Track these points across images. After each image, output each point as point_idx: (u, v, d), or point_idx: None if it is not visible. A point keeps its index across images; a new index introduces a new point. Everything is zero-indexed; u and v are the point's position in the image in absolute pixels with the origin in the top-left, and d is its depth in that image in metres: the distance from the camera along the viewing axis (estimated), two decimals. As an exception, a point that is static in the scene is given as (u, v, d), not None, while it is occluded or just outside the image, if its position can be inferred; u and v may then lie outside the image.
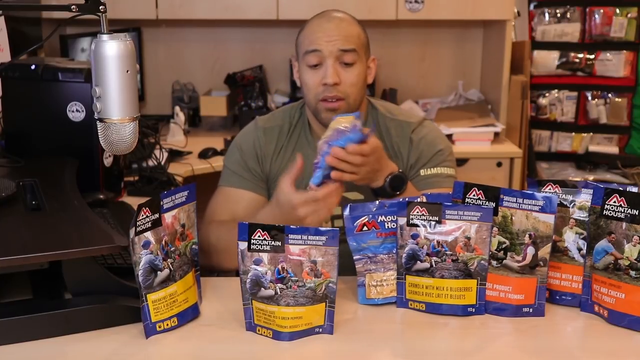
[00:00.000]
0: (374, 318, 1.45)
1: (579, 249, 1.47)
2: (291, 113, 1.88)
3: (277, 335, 1.36)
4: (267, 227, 1.35)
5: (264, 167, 1.82)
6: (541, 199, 1.41)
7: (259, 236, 1.35)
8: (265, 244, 1.35)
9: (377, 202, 1.47)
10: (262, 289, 1.36)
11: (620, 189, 1.41)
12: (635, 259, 1.38)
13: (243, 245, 1.36)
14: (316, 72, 1.74)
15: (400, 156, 1.80)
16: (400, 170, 1.63)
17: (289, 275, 1.36)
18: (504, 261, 1.45)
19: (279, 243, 1.35)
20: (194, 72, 3.71)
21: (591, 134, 3.70)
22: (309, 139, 1.84)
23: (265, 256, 1.35)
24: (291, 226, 1.36)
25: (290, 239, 1.35)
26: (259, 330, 1.38)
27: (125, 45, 1.29)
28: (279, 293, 1.36)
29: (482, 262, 1.43)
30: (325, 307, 1.38)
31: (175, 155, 2.94)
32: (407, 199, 1.46)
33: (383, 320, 1.44)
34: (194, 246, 1.47)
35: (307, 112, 1.85)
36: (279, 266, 1.35)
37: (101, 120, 1.31)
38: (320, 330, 1.39)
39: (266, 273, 1.35)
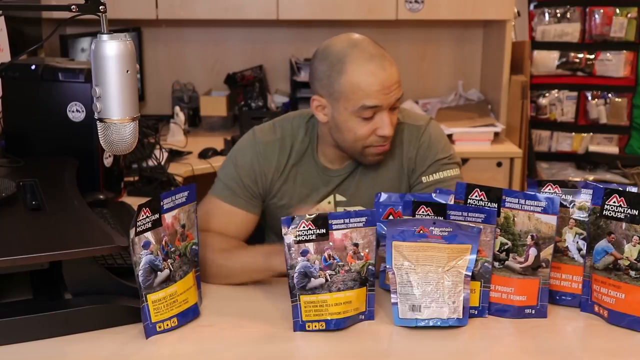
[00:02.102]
0: (374, 318, 1.45)
1: (579, 249, 1.47)
2: (293, 126, 1.77)
3: (329, 325, 1.38)
4: (313, 217, 1.38)
5: (263, 185, 1.74)
6: (543, 200, 1.41)
7: (303, 227, 1.37)
8: (311, 234, 1.37)
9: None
10: (312, 279, 1.38)
11: (620, 189, 1.41)
12: (635, 259, 1.38)
13: (289, 239, 1.37)
14: (369, 123, 1.63)
15: (405, 161, 1.76)
16: None
17: (335, 260, 1.38)
18: (506, 262, 1.45)
19: (323, 230, 1.37)
20: (194, 72, 3.70)
21: (591, 134, 3.69)
22: (316, 159, 1.76)
23: (311, 246, 1.37)
24: (333, 212, 1.42)
25: (334, 224, 1.38)
26: (308, 327, 1.39)
27: (125, 45, 1.29)
28: (329, 280, 1.38)
29: (486, 264, 1.43)
30: (367, 291, 1.41)
31: (175, 155, 2.94)
32: (414, 199, 1.46)
33: (384, 320, 1.44)
34: (194, 246, 1.47)
35: (323, 138, 1.75)
36: (325, 254, 1.38)
37: (101, 120, 1.31)
38: (363, 317, 1.42)
39: (314, 262, 1.37)
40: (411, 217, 1.45)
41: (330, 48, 1.65)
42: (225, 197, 1.73)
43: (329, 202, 1.77)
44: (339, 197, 1.77)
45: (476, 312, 1.44)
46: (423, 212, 1.44)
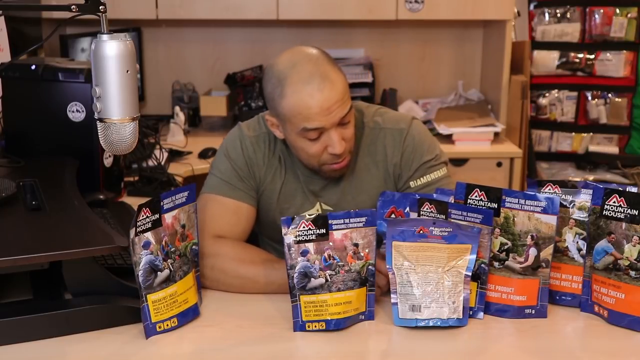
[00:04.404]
0: (374, 318, 1.45)
1: (579, 249, 1.47)
2: None
3: (329, 325, 1.38)
4: (314, 217, 1.38)
5: (255, 176, 1.73)
6: (543, 200, 1.41)
7: (303, 227, 1.37)
8: (311, 234, 1.37)
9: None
10: (312, 279, 1.38)
11: (620, 189, 1.41)
12: (635, 259, 1.38)
13: (289, 239, 1.38)
14: (317, 142, 1.61)
15: (390, 166, 1.74)
16: None
17: (335, 261, 1.39)
18: (506, 262, 1.45)
19: (323, 230, 1.38)
20: (194, 72, 3.70)
21: (591, 134, 3.69)
22: (295, 161, 1.74)
23: (311, 246, 1.38)
24: (333, 212, 1.43)
25: (334, 225, 1.38)
26: (308, 327, 1.39)
27: (125, 45, 1.29)
28: (329, 280, 1.38)
29: (482, 265, 1.43)
30: (367, 291, 1.41)
31: (175, 155, 2.94)
32: (418, 196, 1.47)
33: (384, 320, 1.44)
34: (194, 247, 1.47)
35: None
36: (325, 254, 1.38)
37: (101, 120, 1.31)
38: (363, 317, 1.42)
39: (314, 262, 1.38)
40: (411, 218, 1.45)
41: (273, 68, 1.63)
42: (225, 192, 1.70)
43: (318, 210, 1.75)
44: (325, 207, 1.75)
45: (471, 313, 1.44)
46: (427, 208, 1.45)
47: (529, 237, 1.43)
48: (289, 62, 1.60)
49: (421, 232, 1.40)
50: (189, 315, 1.42)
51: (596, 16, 3.56)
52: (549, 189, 1.48)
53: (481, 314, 1.44)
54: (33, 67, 2.07)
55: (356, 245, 1.40)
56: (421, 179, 1.71)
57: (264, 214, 1.77)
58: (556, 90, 3.67)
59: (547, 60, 3.63)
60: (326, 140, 1.61)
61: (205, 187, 1.74)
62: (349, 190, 1.74)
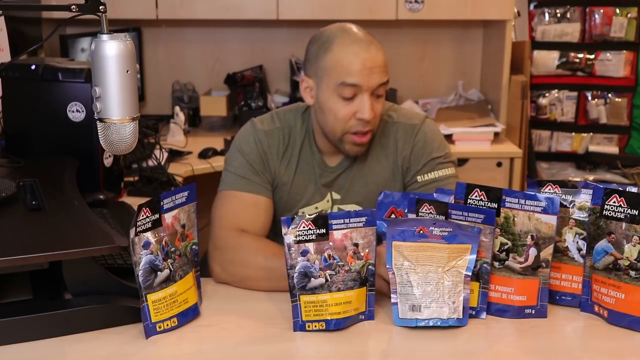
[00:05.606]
0: (374, 318, 1.45)
1: (579, 249, 1.47)
2: (290, 118, 1.79)
3: (329, 325, 1.38)
4: (313, 217, 1.39)
5: (271, 169, 1.75)
6: (543, 200, 1.41)
7: (303, 226, 1.37)
8: (311, 234, 1.37)
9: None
10: (312, 279, 1.38)
11: (620, 189, 1.41)
12: (635, 259, 1.38)
13: (289, 239, 1.37)
14: (349, 104, 1.64)
15: (400, 159, 1.76)
16: None
17: (335, 260, 1.39)
18: (506, 262, 1.45)
19: (323, 230, 1.37)
20: (194, 72, 3.71)
21: (591, 134, 3.69)
22: (313, 150, 1.77)
23: (311, 246, 1.38)
24: (333, 212, 1.42)
25: (334, 224, 1.38)
26: (308, 327, 1.39)
27: (125, 45, 1.29)
28: (329, 280, 1.38)
29: (485, 265, 1.43)
30: (367, 291, 1.41)
31: (175, 155, 2.94)
32: (417, 196, 1.47)
33: (384, 320, 1.44)
34: (194, 246, 1.47)
35: (315, 127, 1.76)
36: (325, 254, 1.38)
37: (101, 120, 1.31)
38: (363, 317, 1.42)
39: (314, 262, 1.38)
40: (411, 218, 1.45)
41: (323, 32, 1.71)
42: (242, 187, 1.71)
43: (328, 201, 1.77)
44: (335, 195, 1.78)
45: (474, 313, 1.44)
46: (426, 209, 1.44)
47: (529, 237, 1.43)
48: (339, 28, 1.69)
49: (421, 232, 1.40)
50: (189, 315, 1.42)
51: (596, 16, 3.56)
52: (549, 189, 1.48)
53: (484, 314, 1.44)
54: (33, 67, 2.07)
55: (356, 245, 1.40)
56: (428, 174, 1.73)
57: (275, 206, 1.78)
58: (556, 90, 3.67)
59: (547, 60, 3.63)
60: (358, 104, 1.64)
61: (222, 185, 1.76)
62: (359, 179, 1.77)
